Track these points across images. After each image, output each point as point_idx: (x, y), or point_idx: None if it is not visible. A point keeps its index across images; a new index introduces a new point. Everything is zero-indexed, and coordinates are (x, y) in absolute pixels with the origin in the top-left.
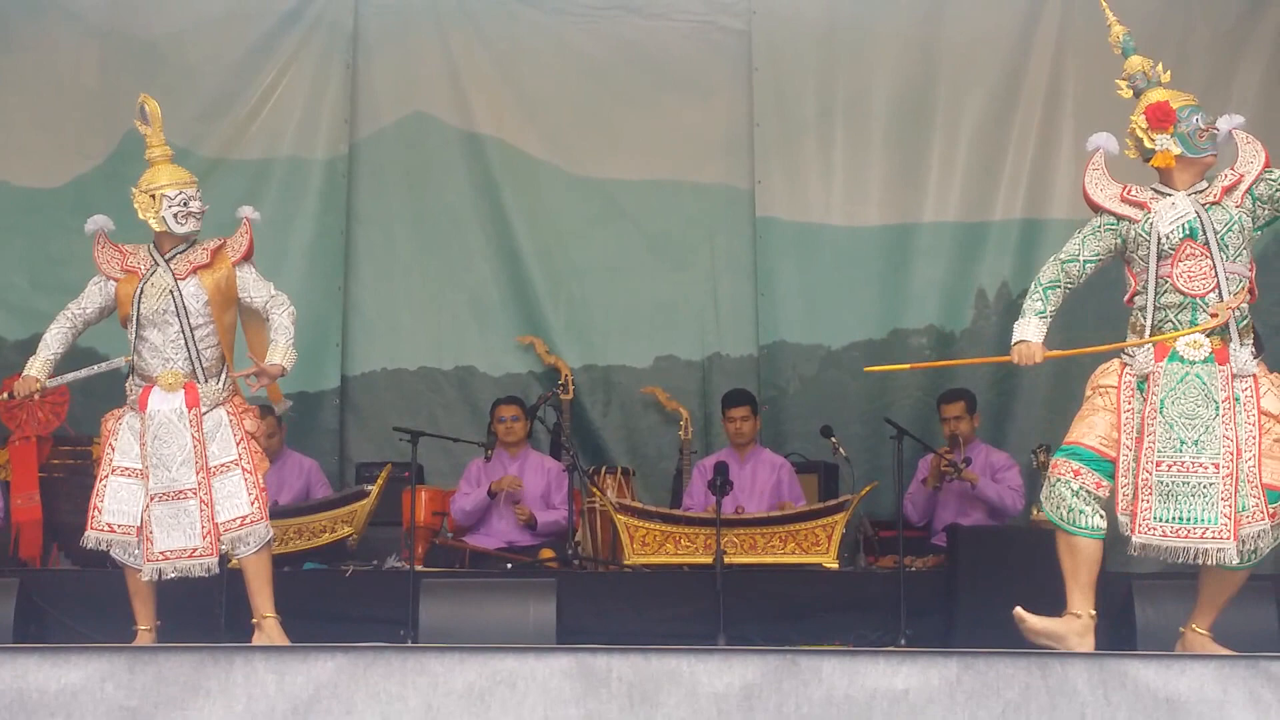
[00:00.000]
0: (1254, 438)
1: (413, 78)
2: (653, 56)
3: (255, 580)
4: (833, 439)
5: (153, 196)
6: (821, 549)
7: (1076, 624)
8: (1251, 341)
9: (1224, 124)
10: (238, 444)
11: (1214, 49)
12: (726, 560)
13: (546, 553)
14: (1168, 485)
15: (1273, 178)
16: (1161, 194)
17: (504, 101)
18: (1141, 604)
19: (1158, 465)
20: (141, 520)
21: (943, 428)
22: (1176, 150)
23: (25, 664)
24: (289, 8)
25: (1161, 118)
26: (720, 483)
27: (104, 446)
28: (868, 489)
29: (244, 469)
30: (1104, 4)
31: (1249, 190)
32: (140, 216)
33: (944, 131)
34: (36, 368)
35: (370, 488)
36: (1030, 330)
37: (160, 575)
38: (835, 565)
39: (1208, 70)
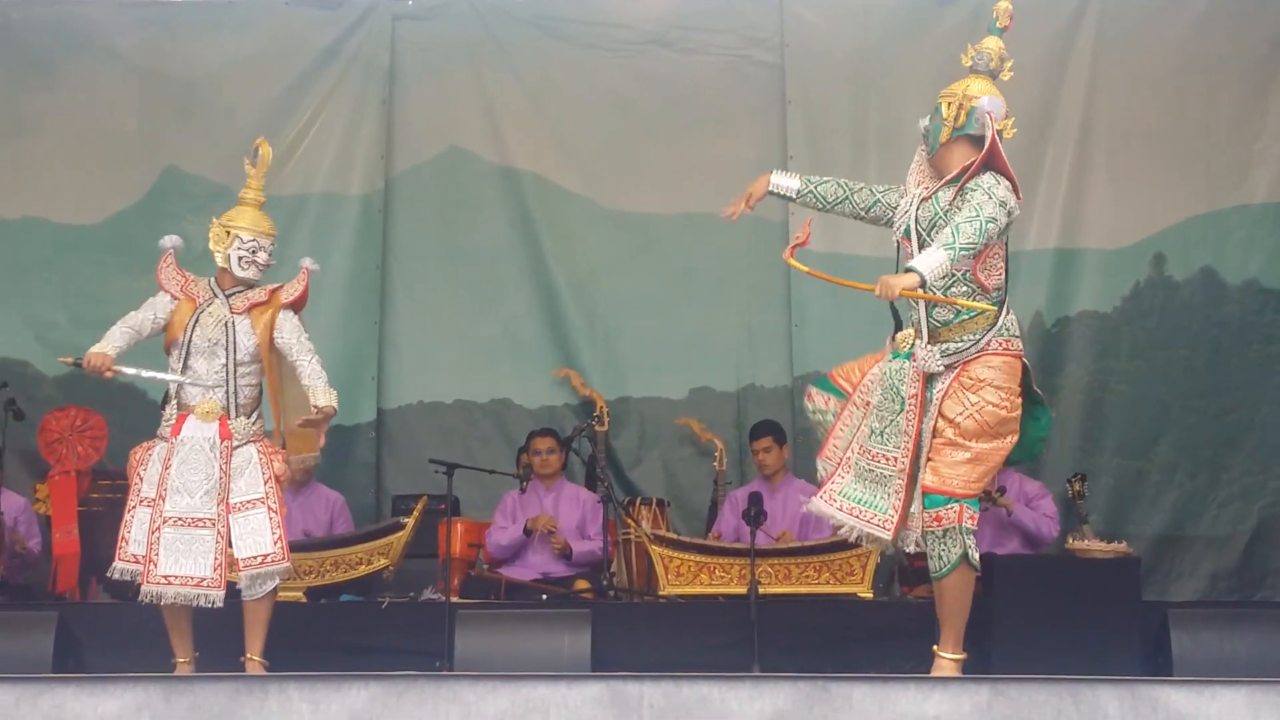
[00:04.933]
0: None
1: (448, 113)
2: (686, 90)
3: (256, 624)
4: None
5: (227, 232)
6: (856, 579)
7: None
8: (967, 340)
9: (984, 103)
10: (265, 483)
11: (1246, 76)
12: (761, 591)
13: (582, 584)
14: (859, 467)
15: (969, 189)
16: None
17: (538, 136)
18: (1177, 632)
19: (859, 449)
20: (146, 545)
21: None
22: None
23: (63, 694)
24: (325, 45)
25: None
26: (755, 513)
27: (132, 477)
28: None
29: (270, 508)
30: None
31: (961, 189)
32: (210, 246)
33: None
34: (108, 349)
35: (406, 520)
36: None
37: (159, 600)
38: (870, 595)
39: (1241, 97)
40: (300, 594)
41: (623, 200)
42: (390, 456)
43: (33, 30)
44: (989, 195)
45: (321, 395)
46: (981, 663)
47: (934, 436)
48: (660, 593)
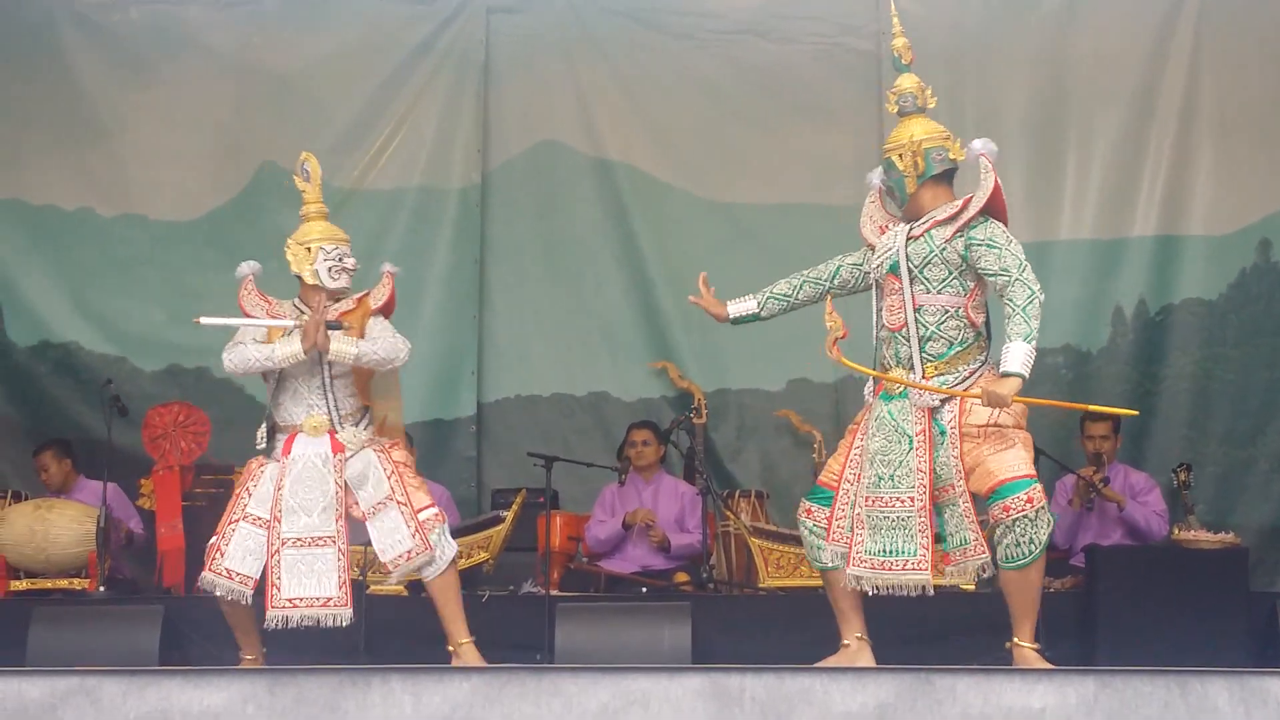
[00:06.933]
0: (960, 470)
1: (542, 106)
2: (780, 80)
3: (441, 606)
4: None
5: (308, 249)
6: None
7: (847, 654)
8: (961, 371)
9: (977, 145)
10: (389, 478)
11: None
12: None
13: (681, 576)
14: (874, 519)
15: (975, 239)
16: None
17: (633, 127)
18: None
19: (866, 501)
20: (265, 569)
21: (1085, 445)
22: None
23: (169, 686)
24: (419, 40)
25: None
26: None
27: (239, 488)
28: None
29: (398, 502)
30: (894, 15)
31: (961, 230)
32: (293, 270)
33: (1078, 148)
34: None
35: (506, 514)
36: (740, 303)
37: (286, 624)
38: (972, 587)
39: None
40: (401, 587)
41: (718, 191)
42: (490, 450)
43: (129, 31)
44: (1018, 259)
45: (343, 336)
46: (1087, 655)
47: (970, 445)
48: (760, 585)
